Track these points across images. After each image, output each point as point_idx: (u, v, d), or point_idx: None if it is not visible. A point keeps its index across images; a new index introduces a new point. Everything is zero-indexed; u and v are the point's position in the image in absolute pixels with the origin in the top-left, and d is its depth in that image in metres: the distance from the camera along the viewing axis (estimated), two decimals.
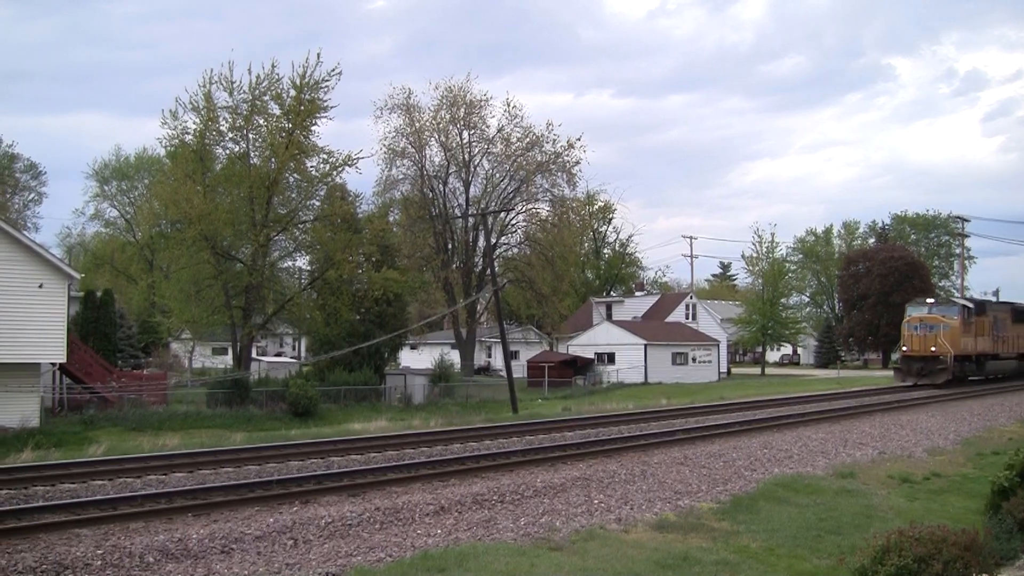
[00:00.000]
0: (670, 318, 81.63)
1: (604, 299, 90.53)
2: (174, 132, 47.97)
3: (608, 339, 72.74)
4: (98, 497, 14.91)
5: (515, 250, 70.39)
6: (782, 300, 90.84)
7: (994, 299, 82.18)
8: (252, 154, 49.02)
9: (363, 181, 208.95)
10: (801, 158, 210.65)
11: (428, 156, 67.53)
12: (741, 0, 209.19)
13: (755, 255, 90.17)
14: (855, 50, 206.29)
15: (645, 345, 70.37)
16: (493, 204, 67.00)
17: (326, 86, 48.75)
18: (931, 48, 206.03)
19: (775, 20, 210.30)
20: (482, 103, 67.26)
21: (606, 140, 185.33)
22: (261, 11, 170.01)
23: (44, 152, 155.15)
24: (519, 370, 64.39)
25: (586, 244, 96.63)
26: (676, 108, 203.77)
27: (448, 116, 66.92)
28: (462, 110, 66.80)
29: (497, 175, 68.28)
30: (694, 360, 74.39)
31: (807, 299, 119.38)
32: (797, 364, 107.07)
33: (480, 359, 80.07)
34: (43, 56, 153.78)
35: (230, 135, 48.99)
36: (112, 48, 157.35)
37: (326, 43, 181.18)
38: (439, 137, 67.07)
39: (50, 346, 35.37)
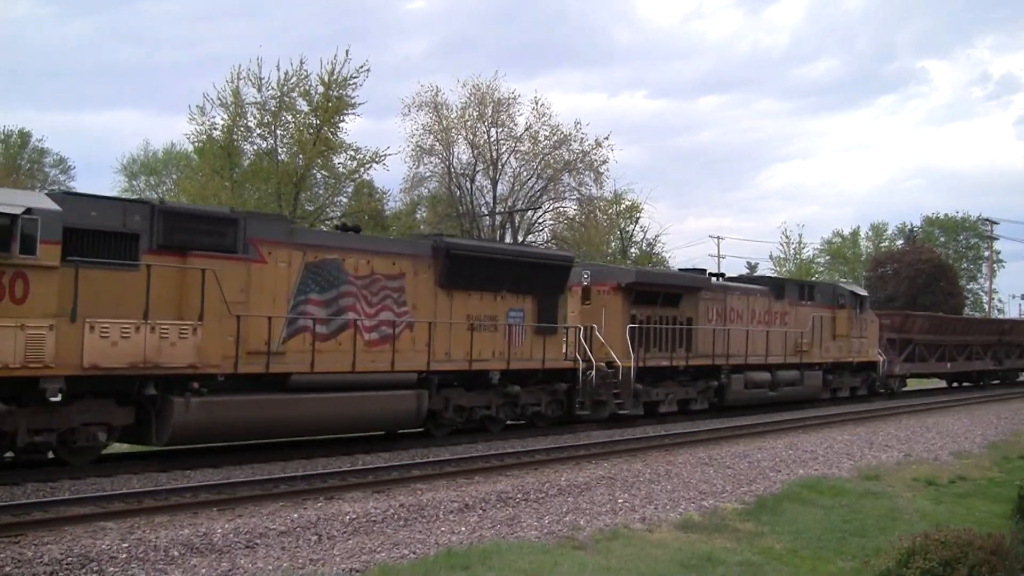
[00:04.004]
0: None
1: None
2: (202, 128, 48.22)
3: None
4: (124, 491, 15.00)
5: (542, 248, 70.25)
6: None
7: (1021, 304, 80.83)
8: (280, 150, 49.13)
9: (391, 178, 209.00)
10: (832, 160, 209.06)
11: (455, 154, 67.41)
12: (776, 3, 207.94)
13: (782, 255, 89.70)
14: (888, 53, 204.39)
15: None
16: (520, 202, 66.77)
17: (355, 83, 48.78)
18: (965, 52, 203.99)
19: (810, 23, 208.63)
20: (510, 101, 67.17)
21: (638, 141, 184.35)
22: (299, 12, 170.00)
23: (80, 149, 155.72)
24: None
25: (613, 243, 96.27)
26: (708, 110, 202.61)
27: (476, 114, 66.82)
28: (490, 108, 66.68)
29: (524, 173, 68.02)
30: None
31: None
32: None
33: None
34: (81, 55, 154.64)
35: (258, 131, 49.14)
36: (150, 47, 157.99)
37: (363, 44, 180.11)
38: (467, 135, 66.97)
39: None
